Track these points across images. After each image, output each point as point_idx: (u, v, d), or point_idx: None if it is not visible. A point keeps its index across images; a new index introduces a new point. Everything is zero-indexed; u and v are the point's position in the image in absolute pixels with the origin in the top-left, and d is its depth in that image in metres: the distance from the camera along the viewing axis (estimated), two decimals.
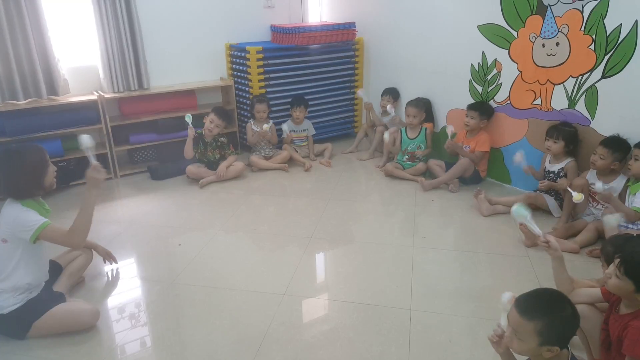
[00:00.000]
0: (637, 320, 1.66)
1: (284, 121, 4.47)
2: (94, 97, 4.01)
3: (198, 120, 4.12)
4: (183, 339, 2.19)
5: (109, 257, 2.71)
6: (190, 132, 3.93)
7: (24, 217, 2.09)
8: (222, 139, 4.12)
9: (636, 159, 2.74)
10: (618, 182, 2.91)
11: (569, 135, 3.16)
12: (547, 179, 3.27)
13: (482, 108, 3.72)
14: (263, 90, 4.42)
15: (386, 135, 4.09)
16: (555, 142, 3.19)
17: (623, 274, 1.66)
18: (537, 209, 3.30)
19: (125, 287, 2.64)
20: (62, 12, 3.97)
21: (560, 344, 1.48)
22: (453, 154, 3.88)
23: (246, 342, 2.15)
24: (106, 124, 4.02)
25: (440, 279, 2.62)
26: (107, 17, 3.91)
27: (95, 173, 2.20)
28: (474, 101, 3.86)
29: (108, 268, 2.77)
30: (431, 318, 2.29)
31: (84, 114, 3.98)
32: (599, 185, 2.73)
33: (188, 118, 3.89)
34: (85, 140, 2.30)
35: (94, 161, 2.24)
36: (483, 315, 2.30)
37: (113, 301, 2.52)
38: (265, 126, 4.21)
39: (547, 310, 1.48)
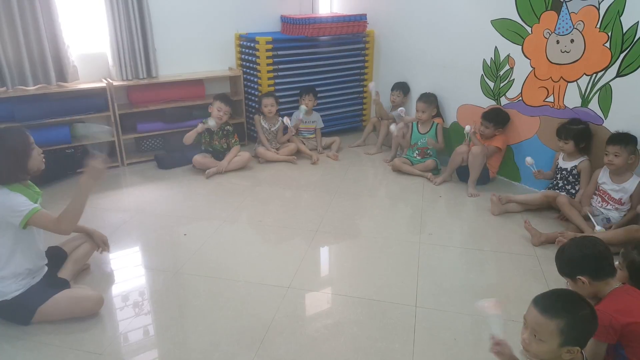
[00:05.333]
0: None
1: (292, 113, 4.45)
2: (103, 84, 4.00)
3: (203, 111, 4.11)
4: (186, 329, 2.18)
5: (104, 245, 2.59)
6: (200, 128, 3.94)
7: (12, 201, 2.06)
8: (227, 127, 4.11)
9: None
10: (631, 183, 2.87)
11: (576, 134, 3.12)
12: (560, 176, 3.25)
13: (496, 119, 3.62)
14: (272, 82, 4.40)
15: (392, 127, 4.05)
16: (565, 142, 3.16)
17: None
18: (551, 208, 3.24)
19: (130, 275, 2.65)
20: None
21: (581, 344, 1.46)
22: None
23: (249, 334, 2.14)
24: (114, 112, 4.01)
25: (447, 276, 2.60)
26: (118, 5, 3.89)
27: (100, 165, 2.17)
28: (485, 97, 3.81)
29: (98, 255, 2.66)
30: (436, 315, 2.27)
31: (92, 101, 3.97)
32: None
33: (211, 122, 3.92)
34: (93, 128, 2.28)
35: (103, 153, 2.22)
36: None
37: (117, 289, 2.52)
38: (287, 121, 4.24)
39: (568, 309, 1.47)
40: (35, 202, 2.15)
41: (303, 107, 4.31)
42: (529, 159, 3.32)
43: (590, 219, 2.92)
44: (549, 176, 3.38)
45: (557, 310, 1.46)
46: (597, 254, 1.83)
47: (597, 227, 2.80)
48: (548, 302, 1.49)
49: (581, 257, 1.84)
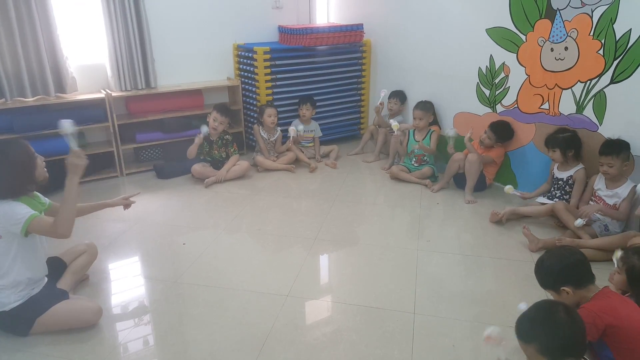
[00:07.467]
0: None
1: (290, 122, 4.47)
2: (102, 95, 4.03)
3: (203, 120, 4.14)
4: (186, 339, 2.18)
5: (127, 201, 2.73)
6: (199, 140, 3.97)
7: (13, 211, 2.05)
8: (226, 136, 4.14)
9: None
10: (623, 189, 2.89)
11: (562, 142, 3.14)
12: (556, 186, 3.26)
13: (500, 133, 3.62)
14: (270, 91, 4.43)
15: (393, 121, 4.03)
16: (553, 151, 3.18)
17: None
18: (553, 216, 3.22)
19: (129, 285, 2.65)
20: (71, 11, 4.00)
21: (569, 353, 1.46)
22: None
23: (249, 343, 2.14)
24: (113, 123, 4.04)
25: (445, 283, 2.61)
26: (116, 16, 3.93)
27: (75, 159, 2.11)
28: (481, 105, 3.84)
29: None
30: (435, 322, 2.28)
31: (91, 112, 4.00)
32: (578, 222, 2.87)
33: (204, 129, 3.97)
34: (67, 125, 2.21)
35: (74, 147, 2.15)
36: (487, 320, 2.28)
37: (116, 299, 2.52)
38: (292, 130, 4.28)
39: (538, 328, 1.49)
40: (40, 213, 2.15)
41: (297, 122, 4.43)
42: (508, 188, 3.29)
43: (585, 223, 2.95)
44: (546, 189, 3.37)
45: (528, 334, 1.51)
46: (577, 262, 1.85)
47: (578, 221, 2.85)
48: (520, 327, 1.54)
49: (561, 268, 1.85)
